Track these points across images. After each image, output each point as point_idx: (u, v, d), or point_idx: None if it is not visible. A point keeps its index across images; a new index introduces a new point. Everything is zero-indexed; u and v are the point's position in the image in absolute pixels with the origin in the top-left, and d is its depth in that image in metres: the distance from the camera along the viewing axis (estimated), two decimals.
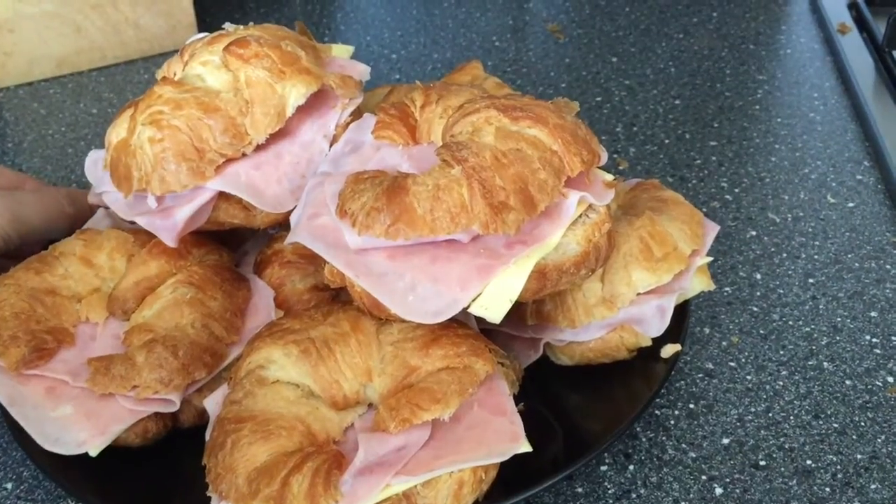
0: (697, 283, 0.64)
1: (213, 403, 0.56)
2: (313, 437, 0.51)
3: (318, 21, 1.20)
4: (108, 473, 0.56)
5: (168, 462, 0.58)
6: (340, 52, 0.66)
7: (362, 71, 0.64)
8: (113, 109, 1.01)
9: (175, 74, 0.62)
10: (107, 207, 0.64)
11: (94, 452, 0.53)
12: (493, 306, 0.51)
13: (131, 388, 0.55)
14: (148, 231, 0.61)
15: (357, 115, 0.62)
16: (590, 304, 0.60)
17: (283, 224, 0.62)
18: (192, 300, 0.59)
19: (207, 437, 0.53)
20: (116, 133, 0.60)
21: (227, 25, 0.64)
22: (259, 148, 0.60)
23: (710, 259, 0.65)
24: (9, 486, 0.59)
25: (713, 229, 0.65)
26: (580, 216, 0.54)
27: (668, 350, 0.62)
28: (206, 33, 0.65)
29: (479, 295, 0.51)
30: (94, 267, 0.62)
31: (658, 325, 0.61)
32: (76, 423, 0.54)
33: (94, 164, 0.64)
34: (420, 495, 0.49)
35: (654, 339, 0.61)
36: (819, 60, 1.06)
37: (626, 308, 0.60)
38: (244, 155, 0.59)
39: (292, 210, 0.59)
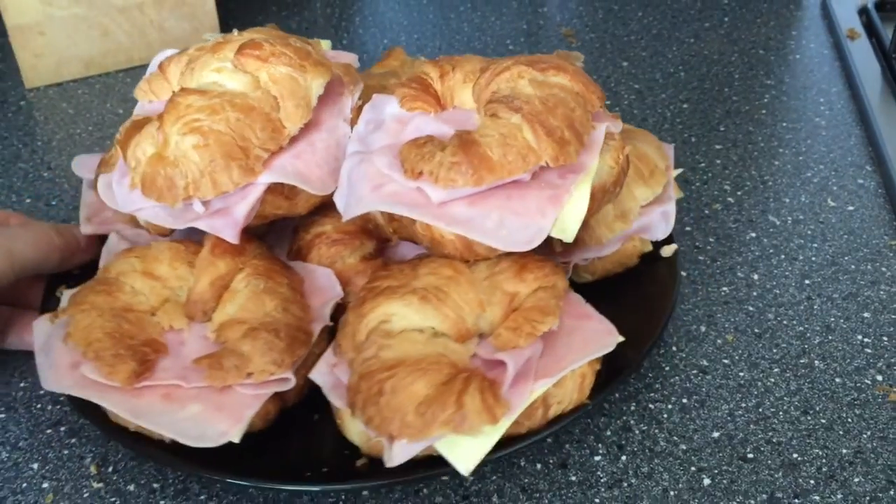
0: (674, 192, 0.74)
1: (320, 374, 0.60)
2: (455, 368, 0.57)
3: (336, 24, 1.23)
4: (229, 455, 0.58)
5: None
6: (323, 45, 0.72)
7: (353, 59, 0.70)
8: None
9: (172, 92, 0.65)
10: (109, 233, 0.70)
11: (236, 439, 0.57)
12: (568, 228, 0.60)
13: (247, 376, 0.58)
14: (190, 238, 0.65)
15: (366, 97, 0.68)
16: (609, 221, 0.69)
17: (320, 207, 0.67)
18: (266, 289, 0.63)
19: (339, 400, 0.58)
20: (142, 150, 0.63)
21: (208, 35, 0.68)
22: (292, 140, 0.64)
23: (681, 170, 0.77)
24: (35, 466, 0.63)
25: (670, 148, 0.76)
26: (603, 144, 0.62)
27: (668, 250, 0.73)
28: (172, 50, 0.69)
29: (555, 220, 0.59)
30: (159, 279, 0.65)
31: (664, 228, 0.72)
32: (211, 418, 0.57)
33: (111, 187, 0.66)
34: (553, 395, 0.58)
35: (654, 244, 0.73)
36: (827, 65, 1.08)
37: (637, 220, 0.70)
38: (281, 148, 0.63)
39: (333, 192, 0.64)
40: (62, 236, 0.70)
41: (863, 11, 1.15)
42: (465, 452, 0.55)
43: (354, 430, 0.59)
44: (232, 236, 0.62)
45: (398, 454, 0.54)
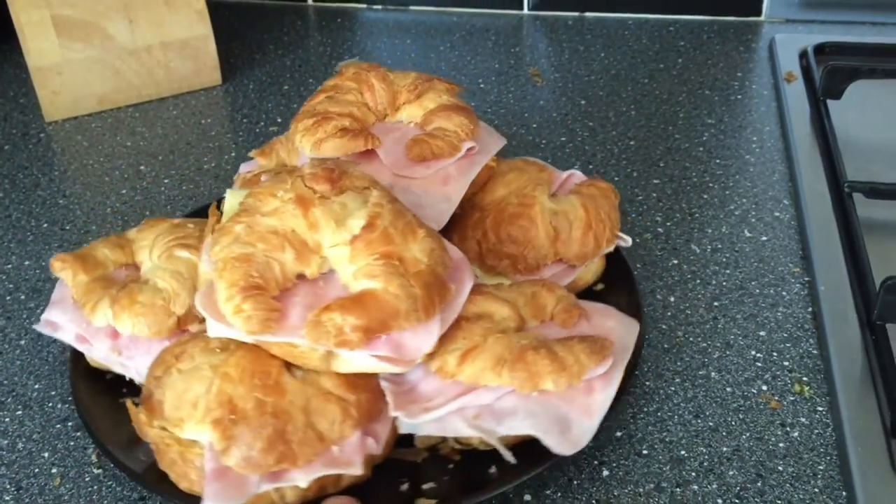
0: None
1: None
2: None
3: (327, 62, 1.36)
4: None
5: None
6: None
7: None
8: (145, 143, 1.18)
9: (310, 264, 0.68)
10: None
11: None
12: None
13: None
14: None
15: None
16: None
17: None
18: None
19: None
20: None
21: (234, 196, 0.75)
22: None
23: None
24: (46, 454, 0.75)
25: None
26: None
27: None
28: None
29: None
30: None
31: None
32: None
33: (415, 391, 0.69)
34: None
35: None
36: (765, 106, 1.19)
37: None
38: None
39: None
40: None
41: (803, 55, 1.26)
42: None
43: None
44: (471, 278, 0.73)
45: None
